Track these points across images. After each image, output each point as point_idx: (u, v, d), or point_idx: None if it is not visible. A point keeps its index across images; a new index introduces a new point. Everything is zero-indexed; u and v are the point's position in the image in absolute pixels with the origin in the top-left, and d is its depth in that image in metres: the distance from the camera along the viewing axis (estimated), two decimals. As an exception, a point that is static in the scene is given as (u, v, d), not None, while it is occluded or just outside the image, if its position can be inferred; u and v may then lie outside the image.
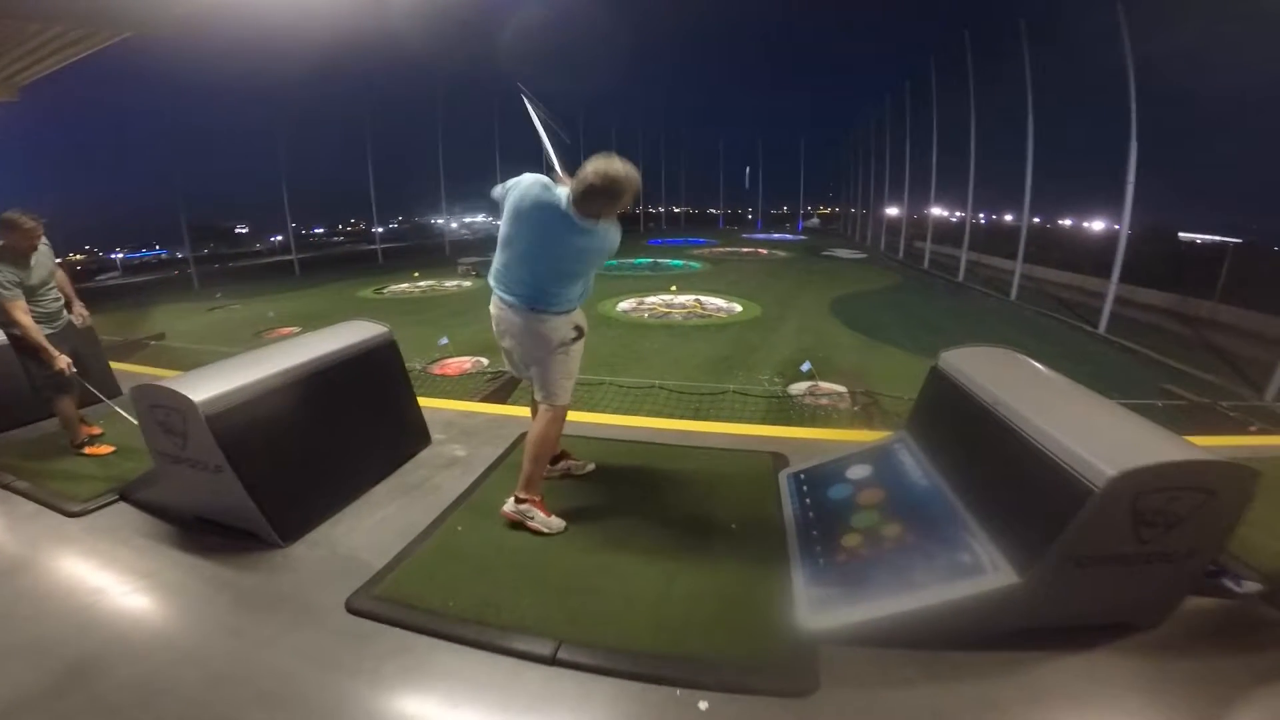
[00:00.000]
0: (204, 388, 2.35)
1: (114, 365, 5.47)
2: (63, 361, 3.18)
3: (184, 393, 2.27)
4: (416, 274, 17.21)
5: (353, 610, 2.09)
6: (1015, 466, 1.92)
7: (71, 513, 2.80)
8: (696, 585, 2.14)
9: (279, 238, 26.55)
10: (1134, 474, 1.58)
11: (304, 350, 2.85)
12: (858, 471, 2.58)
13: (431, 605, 2.06)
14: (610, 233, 2.32)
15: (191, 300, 14.57)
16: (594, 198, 2.18)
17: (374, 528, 2.59)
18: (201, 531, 2.58)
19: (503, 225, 2.39)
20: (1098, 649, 1.84)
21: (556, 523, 2.47)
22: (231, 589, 2.25)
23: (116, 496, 2.90)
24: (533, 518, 2.44)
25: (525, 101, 2.81)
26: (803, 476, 2.75)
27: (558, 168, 2.60)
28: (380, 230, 26.02)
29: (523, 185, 2.32)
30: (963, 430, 2.33)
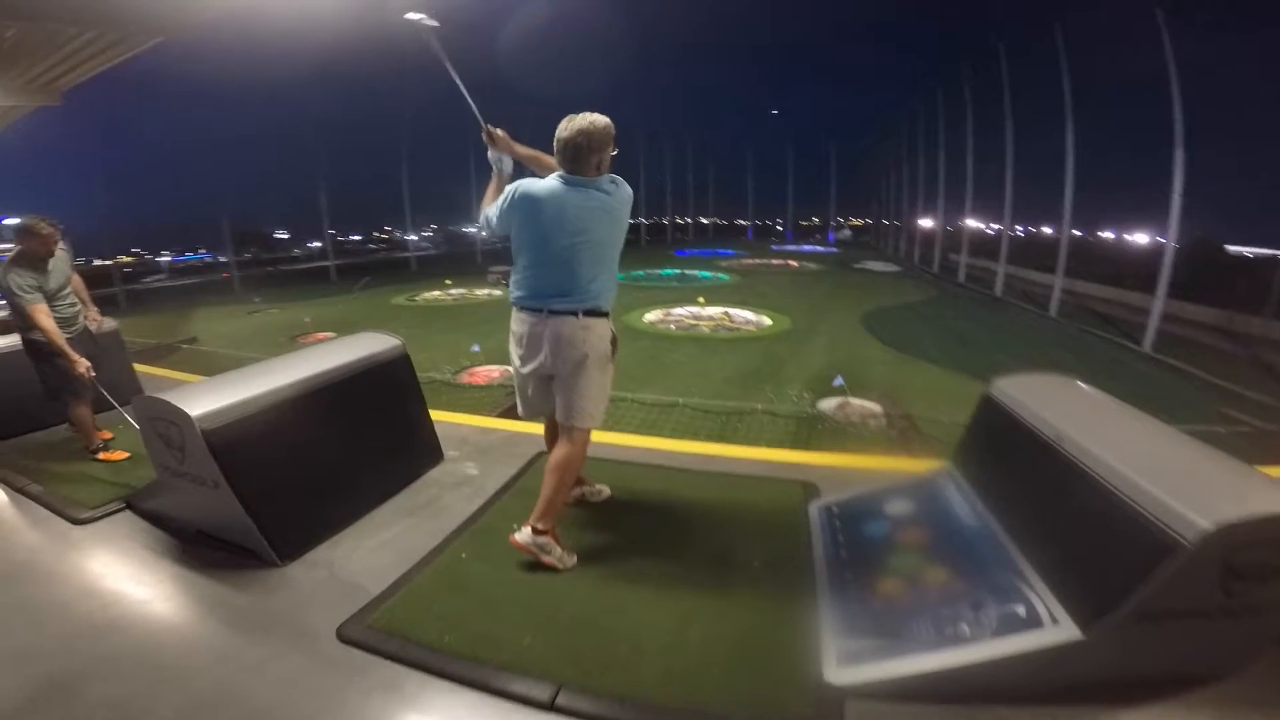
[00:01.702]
0: (203, 401, 2.27)
1: (143, 369, 5.55)
2: (82, 365, 3.18)
3: (181, 406, 2.20)
4: (448, 281, 17.36)
5: (344, 639, 1.97)
6: (1084, 511, 1.71)
7: (78, 520, 2.76)
8: (713, 629, 1.95)
9: (317, 244, 27.25)
10: (1232, 527, 1.37)
11: (311, 363, 2.76)
12: (897, 507, 2.36)
13: (426, 639, 1.93)
14: (620, 181, 2.27)
15: (232, 304, 14.94)
16: (585, 155, 2.16)
17: (376, 550, 2.47)
18: (202, 546, 2.50)
19: (517, 234, 2.28)
20: (1158, 702, 1.62)
21: (570, 559, 2.30)
22: (224, 608, 2.17)
23: (123, 505, 2.85)
24: (550, 552, 2.26)
25: (435, 44, 2.53)
26: (835, 510, 2.53)
27: (482, 120, 2.52)
28: (414, 238, 26.48)
29: (516, 195, 2.24)
30: (1020, 467, 2.09)
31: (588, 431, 2.35)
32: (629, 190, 2.29)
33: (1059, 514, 1.83)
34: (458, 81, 2.60)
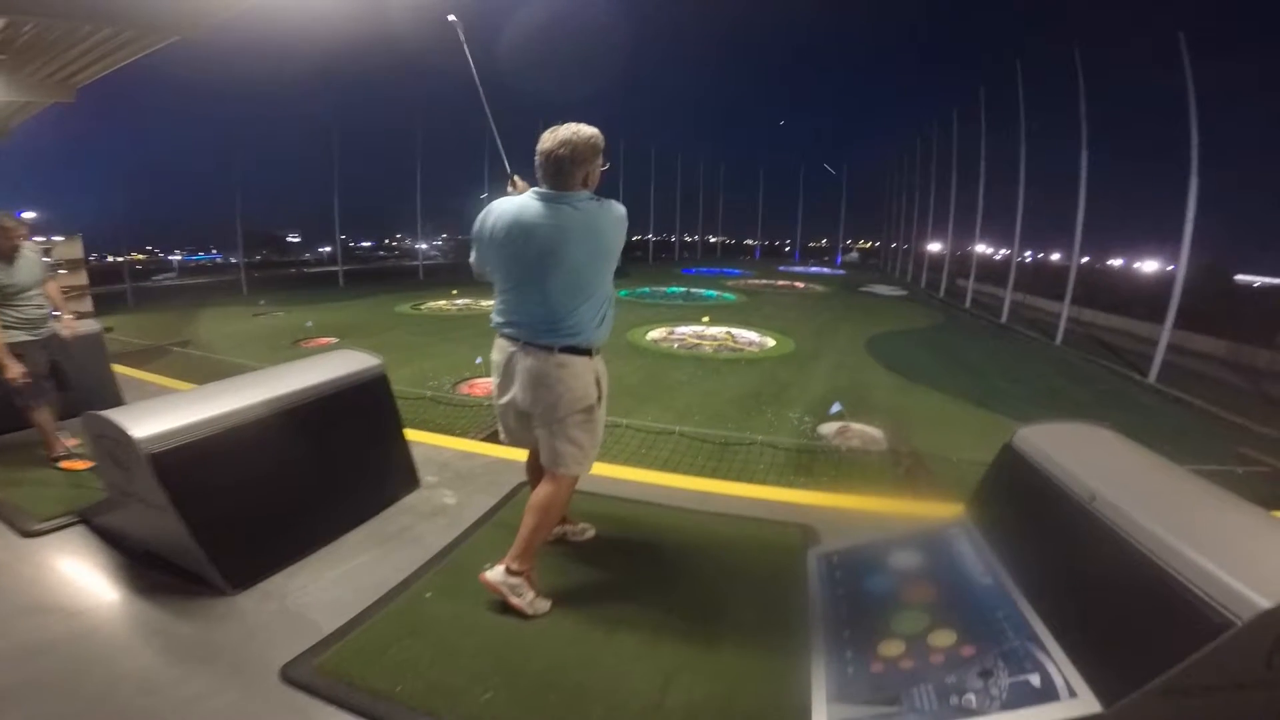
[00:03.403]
0: (152, 422, 2.12)
1: (129, 372, 5.43)
2: (15, 371, 3.05)
3: (126, 428, 2.05)
4: (455, 291, 17.30)
5: (288, 680, 1.80)
6: (1117, 578, 1.55)
7: (28, 532, 2.61)
8: (697, 691, 1.77)
9: (328, 248, 27.41)
10: (1288, 607, 1.19)
11: (279, 382, 2.60)
12: (904, 559, 2.17)
13: (377, 686, 1.76)
14: (606, 201, 2.06)
15: (238, 305, 14.90)
16: (569, 168, 1.97)
17: (336, 582, 2.30)
18: (151, 568, 2.34)
19: (490, 256, 2.10)
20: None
21: (543, 604, 2.10)
22: (163, 637, 2.01)
23: (77, 519, 2.70)
24: (521, 595, 2.06)
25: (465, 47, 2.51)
26: (835, 559, 2.33)
27: (509, 166, 2.39)
28: (424, 246, 26.60)
29: (485, 214, 2.08)
30: (1044, 525, 1.92)
31: (574, 475, 2.17)
32: (619, 210, 2.07)
33: (1087, 579, 1.66)
34: (493, 126, 2.58)
